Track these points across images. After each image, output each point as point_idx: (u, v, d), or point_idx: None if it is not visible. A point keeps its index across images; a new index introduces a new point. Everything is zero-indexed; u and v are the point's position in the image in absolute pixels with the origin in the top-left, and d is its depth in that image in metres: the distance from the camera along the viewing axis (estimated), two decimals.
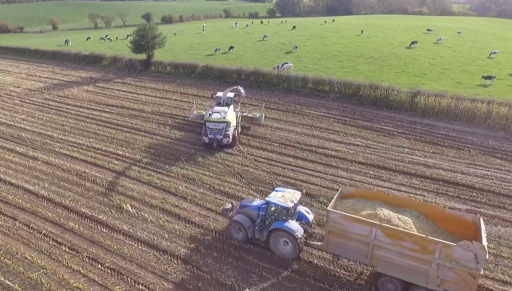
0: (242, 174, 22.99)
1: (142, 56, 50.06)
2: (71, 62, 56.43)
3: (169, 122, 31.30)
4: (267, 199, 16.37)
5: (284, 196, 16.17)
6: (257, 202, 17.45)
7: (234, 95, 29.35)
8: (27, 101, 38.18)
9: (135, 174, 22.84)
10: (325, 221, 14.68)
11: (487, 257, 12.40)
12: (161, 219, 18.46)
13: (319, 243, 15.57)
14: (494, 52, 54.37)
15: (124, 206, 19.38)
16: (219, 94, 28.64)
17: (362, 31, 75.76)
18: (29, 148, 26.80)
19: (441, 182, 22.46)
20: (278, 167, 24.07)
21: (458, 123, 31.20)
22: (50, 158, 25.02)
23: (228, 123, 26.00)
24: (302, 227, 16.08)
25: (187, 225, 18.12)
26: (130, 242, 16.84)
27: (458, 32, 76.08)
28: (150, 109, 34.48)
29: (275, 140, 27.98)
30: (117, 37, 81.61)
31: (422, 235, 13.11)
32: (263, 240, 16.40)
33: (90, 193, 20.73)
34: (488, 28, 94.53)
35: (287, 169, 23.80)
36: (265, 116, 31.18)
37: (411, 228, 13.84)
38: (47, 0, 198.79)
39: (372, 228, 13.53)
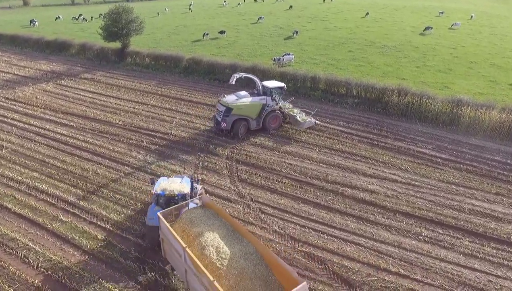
0: None
1: (116, 44, 41.84)
2: (32, 50, 47.77)
3: (144, 143, 23.90)
4: (161, 177, 16.28)
5: (176, 182, 15.33)
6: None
7: (281, 88, 26.01)
8: None
9: (90, 243, 15.65)
10: None
11: None
12: None
13: None
14: None
15: None
16: (264, 83, 26.17)
17: (367, 13, 68.06)
18: None
19: None
20: (295, 223, 17.17)
21: None
22: None
23: (228, 109, 24.12)
24: None
25: None
26: None
27: (471, 16, 68.89)
28: (120, 122, 26.92)
29: (286, 174, 20.97)
30: (92, 17, 72.07)
31: (210, 276, 10.62)
32: None
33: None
34: (496, 10, 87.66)
35: (308, 228, 16.91)
36: (316, 123, 26.18)
37: (223, 264, 11.42)
38: None
39: (181, 249, 11.93)
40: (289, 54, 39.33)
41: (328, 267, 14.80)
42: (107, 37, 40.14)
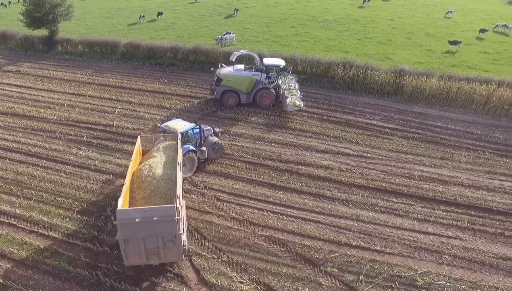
0: (202, 231, 15.41)
1: (43, 32, 38.20)
2: None
3: (84, 138, 22.12)
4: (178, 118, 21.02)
5: (181, 124, 18.90)
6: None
7: (277, 66, 25.61)
8: None
9: (31, 255, 14.20)
10: None
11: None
12: None
13: None
14: (451, 11, 49.97)
15: None
16: (264, 59, 26.26)
17: None
18: None
19: (473, 211, 16.83)
20: (253, 208, 16.79)
21: (453, 110, 25.77)
22: None
23: (219, 79, 25.19)
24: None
25: None
26: None
27: None
28: (55, 117, 24.68)
29: (239, 157, 20.42)
30: (10, 1, 65.28)
31: (126, 180, 13.64)
32: None
33: None
34: None
35: (266, 211, 16.61)
36: (301, 109, 24.69)
37: (146, 179, 14.17)
38: None
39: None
40: (230, 33, 38.24)
41: (290, 249, 14.64)
42: (31, 24, 36.40)
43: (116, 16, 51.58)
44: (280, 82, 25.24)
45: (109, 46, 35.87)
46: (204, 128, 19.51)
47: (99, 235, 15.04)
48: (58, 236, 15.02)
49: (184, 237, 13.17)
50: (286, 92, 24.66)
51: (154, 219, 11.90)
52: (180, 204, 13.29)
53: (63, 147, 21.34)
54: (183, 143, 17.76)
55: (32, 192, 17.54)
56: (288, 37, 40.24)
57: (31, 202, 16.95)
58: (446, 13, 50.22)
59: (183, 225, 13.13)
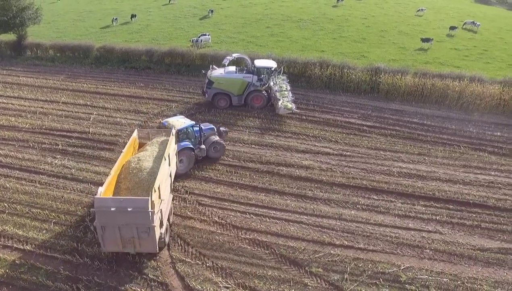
0: (185, 237, 15.18)
1: (11, 36, 36.89)
2: None
3: (59, 146, 21.43)
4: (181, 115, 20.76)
5: (181, 121, 19.08)
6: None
7: (269, 68, 25.30)
8: None
9: (6, 271, 13.59)
10: None
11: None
12: None
13: None
14: (422, 10, 51.20)
15: None
16: (256, 61, 26.02)
17: None
18: None
19: (451, 205, 17.25)
20: (236, 211, 16.68)
21: (428, 106, 26.35)
22: None
23: (210, 82, 25.06)
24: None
25: None
26: None
27: None
28: (28, 125, 23.83)
29: (219, 160, 20.23)
30: None
31: (112, 170, 14.21)
32: None
33: None
34: None
35: (249, 214, 16.52)
36: (292, 112, 24.42)
37: (133, 171, 14.55)
38: None
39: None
40: (205, 35, 37.87)
41: (275, 251, 14.62)
42: None
43: (88, 19, 50.36)
44: (271, 84, 25.21)
45: (81, 50, 34.95)
46: (205, 127, 19.87)
47: (78, 246, 14.60)
48: (34, 250, 14.48)
49: (163, 230, 13.69)
50: (278, 94, 24.58)
51: (129, 209, 12.29)
52: (160, 198, 13.55)
53: (37, 156, 20.60)
54: (181, 140, 18.25)
55: (5, 204, 16.84)
56: (264, 38, 40.27)
57: (4, 215, 16.26)
58: (417, 11, 51.40)
59: (161, 217, 13.37)
